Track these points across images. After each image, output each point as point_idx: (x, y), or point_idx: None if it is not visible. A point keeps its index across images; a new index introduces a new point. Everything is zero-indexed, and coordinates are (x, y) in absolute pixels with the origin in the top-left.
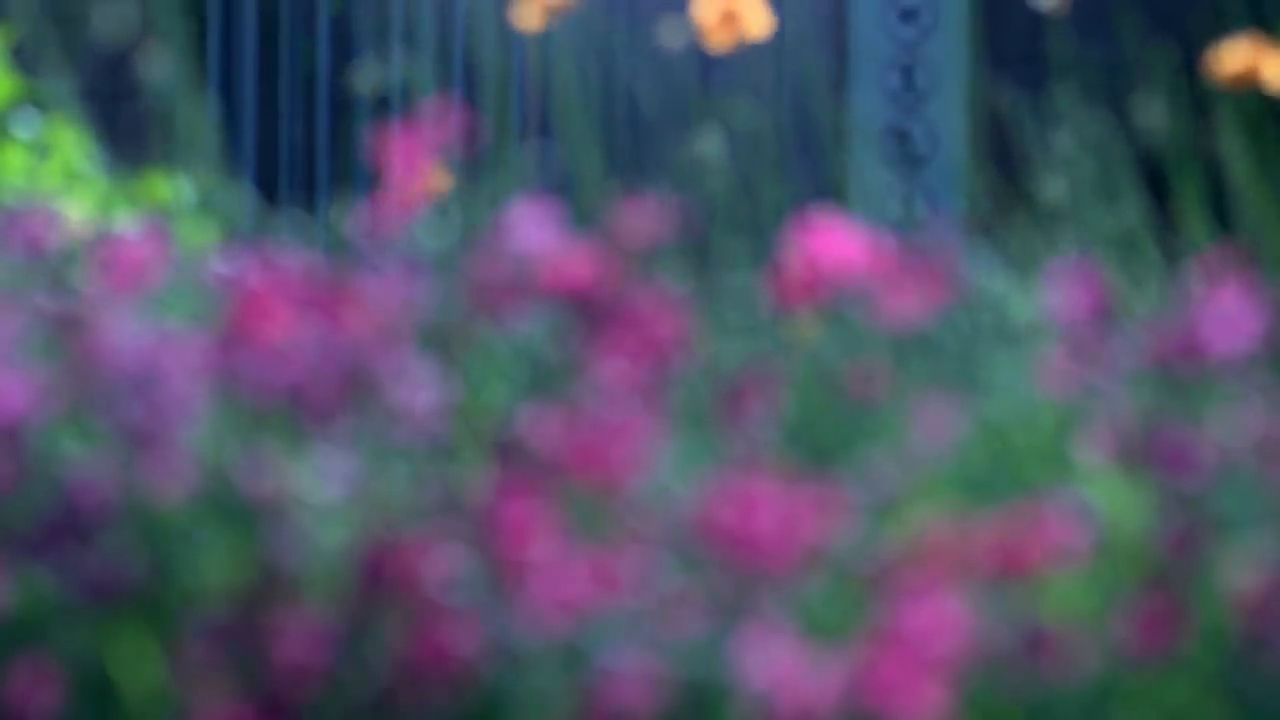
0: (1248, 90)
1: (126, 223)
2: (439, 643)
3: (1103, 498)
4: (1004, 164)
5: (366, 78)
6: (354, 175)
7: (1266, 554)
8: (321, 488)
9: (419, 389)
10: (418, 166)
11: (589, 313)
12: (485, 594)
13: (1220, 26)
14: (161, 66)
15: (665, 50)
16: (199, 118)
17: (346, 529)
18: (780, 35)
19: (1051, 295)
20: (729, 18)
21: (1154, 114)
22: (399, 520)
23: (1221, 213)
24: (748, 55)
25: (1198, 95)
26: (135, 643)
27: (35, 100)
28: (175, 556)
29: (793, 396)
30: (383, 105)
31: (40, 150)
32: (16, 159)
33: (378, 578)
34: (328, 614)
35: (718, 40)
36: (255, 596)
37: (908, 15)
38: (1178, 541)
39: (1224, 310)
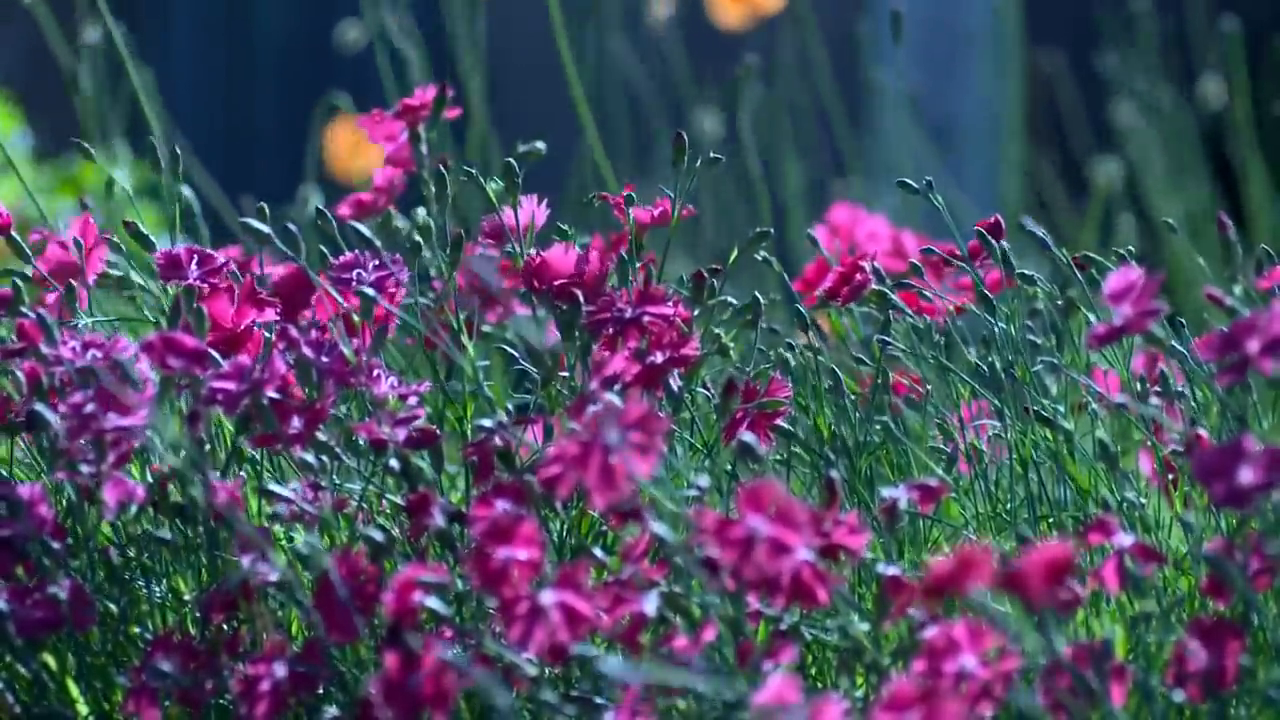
0: None
1: (62, 210)
2: (415, 661)
3: (1161, 517)
4: (1053, 140)
5: (345, 47)
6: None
7: None
8: (289, 495)
9: (392, 390)
10: (397, 148)
11: (586, 308)
12: (468, 611)
13: None
14: (109, 32)
15: (674, 20)
16: (152, 92)
17: (317, 539)
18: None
19: (1106, 288)
20: None
21: (1223, 90)
22: (372, 530)
23: None
24: (768, 23)
25: (1270, 71)
26: (89, 665)
27: None
28: (131, 571)
29: (812, 398)
30: (363, 78)
31: None
32: None
33: (349, 592)
34: (295, 632)
35: (732, 14)
36: (218, 611)
37: None
38: (1244, 568)
39: None
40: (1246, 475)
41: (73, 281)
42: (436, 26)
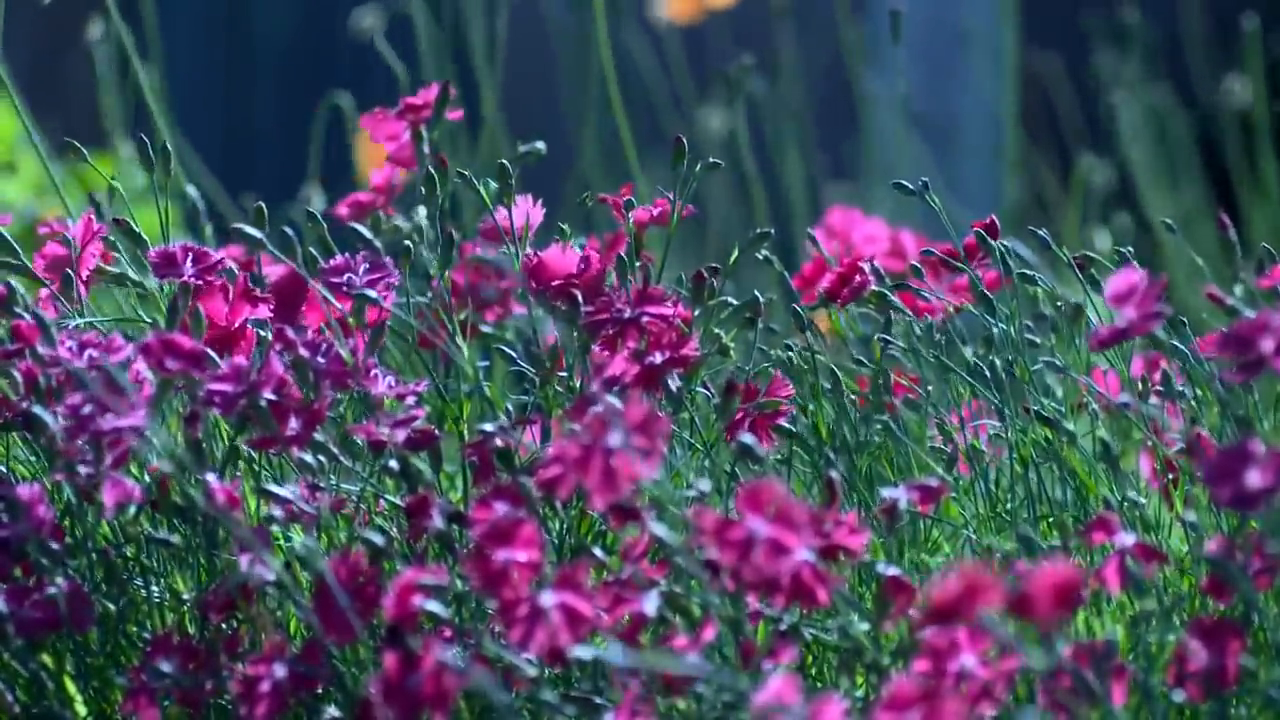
0: None
1: (67, 209)
2: (414, 661)
3: (1162, 519)
4: (1050, 141)
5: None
6: (332, 157)
7: None
8: (288, 496)
9: (390, 390)
10: (400, 147)
11: (585, 308)
12: (467, 611)
13: None
14: (112, 32)
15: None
16: (153, 91)
17: (314, 541)
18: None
19: (1108, 291)
20: None
21: (1217, 90)
22: (371, 532)
23: None
24: (764, 23)
25: (1266, 72)
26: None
27: None
28: (130, 571)
29: (811, 398)
30: (364, 77)
31: None
32: None
33: (349, 593)
34: (294, 631)
35: (678, 10)
36: (216, 611)
37: None
38: (1246, 569)
39: None
40: (1254, 478)
41: (68, 273)
42: (449, 23)
